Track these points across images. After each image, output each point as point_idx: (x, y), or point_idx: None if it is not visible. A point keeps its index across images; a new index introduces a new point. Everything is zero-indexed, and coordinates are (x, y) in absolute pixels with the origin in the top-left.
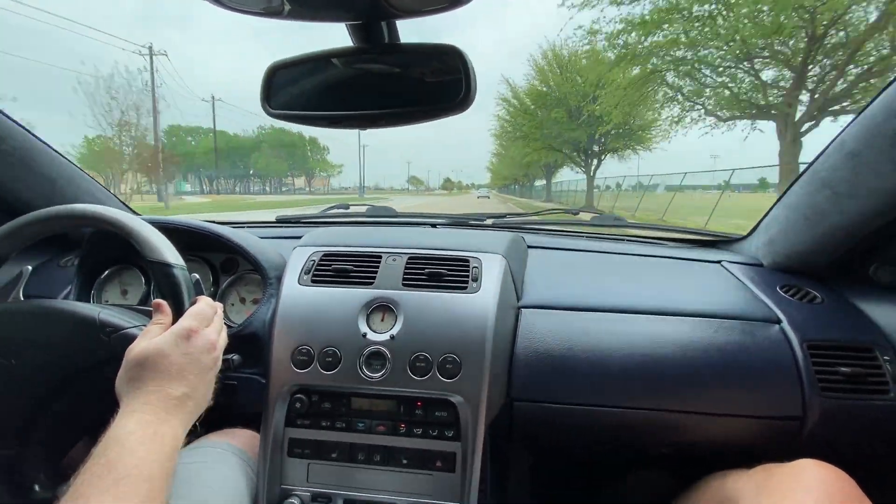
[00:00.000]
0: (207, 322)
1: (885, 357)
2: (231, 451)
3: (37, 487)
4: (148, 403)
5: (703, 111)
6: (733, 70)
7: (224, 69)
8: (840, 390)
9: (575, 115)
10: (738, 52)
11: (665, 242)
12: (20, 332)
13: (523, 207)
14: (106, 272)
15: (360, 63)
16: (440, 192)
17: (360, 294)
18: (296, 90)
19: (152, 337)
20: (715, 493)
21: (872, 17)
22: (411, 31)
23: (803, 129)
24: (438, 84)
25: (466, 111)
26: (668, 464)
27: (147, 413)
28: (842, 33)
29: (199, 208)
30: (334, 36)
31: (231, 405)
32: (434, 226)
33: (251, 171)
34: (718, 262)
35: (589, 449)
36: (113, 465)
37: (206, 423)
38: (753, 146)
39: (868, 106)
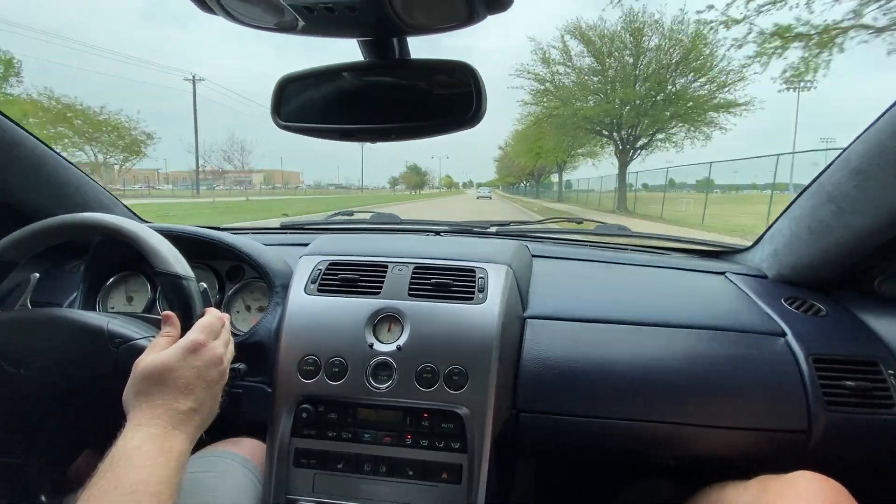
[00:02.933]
0: (215, 335)
1: (890, 371)
2: (237, 460)
3: (43, 497)
4: (155, 417)
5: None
6: None
7: (229, 67)
8: (845, 404)
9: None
10: None
11: (669, 252)
12: (28, 341)
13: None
14: (112, 279)
15: (371, 77)
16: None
17: (367, 304)
18: (306, 103)
19: (160, 349)
20: None
21: None
22: (418, 40)
23: None
24: (449, 99)
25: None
26: (672, 475)
27: (154, 427)
28: None
29: None
30: (341, 46)
31: (236, 414)
32: (438, 233)
33: None
34: (722, 273)
35: (593, 460)
36: (120, 479)
37: (212, 432)
38: None
39: (874, 123)
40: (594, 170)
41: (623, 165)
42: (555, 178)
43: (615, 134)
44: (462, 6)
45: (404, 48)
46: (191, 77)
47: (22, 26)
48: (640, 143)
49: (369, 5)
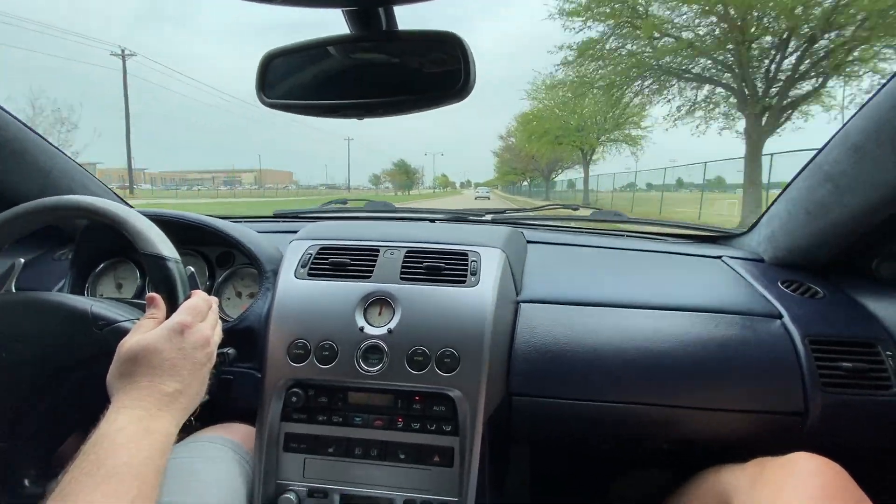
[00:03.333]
0: (202, 317)
1: (887, 352)
2: (227, 445)
3: (27, 482)
4: (139, 399)
5: None
6: None
7: (226, 67)
8: (842, 385)
9: None
10: None
11: (665, 238)
12: (11, 325)
13: None
14: (100, 266)
15: (357, 51)
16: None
17: (358, 288)
18: (292, 79)
19: (145, 331)
20: (710, 488)
21: None
22: (411, 23)
23: None
24: (437, 72)
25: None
26: (668, 459)
27: (138, 409)
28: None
29: None
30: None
31: (227, 400)
32: (432, 221)
33: None
34: (719, 257)
35: (588, 444)
36: (102, 461)
37: (202, 418)
38: None
39: (872, 98)
40: (633, 160)
41: (758, 137)
42: (559, 176)
43: (750, 74)
44: None
45: (391, 20)
46: (119, 51)
47: None
48: (793, 95)
49: None
